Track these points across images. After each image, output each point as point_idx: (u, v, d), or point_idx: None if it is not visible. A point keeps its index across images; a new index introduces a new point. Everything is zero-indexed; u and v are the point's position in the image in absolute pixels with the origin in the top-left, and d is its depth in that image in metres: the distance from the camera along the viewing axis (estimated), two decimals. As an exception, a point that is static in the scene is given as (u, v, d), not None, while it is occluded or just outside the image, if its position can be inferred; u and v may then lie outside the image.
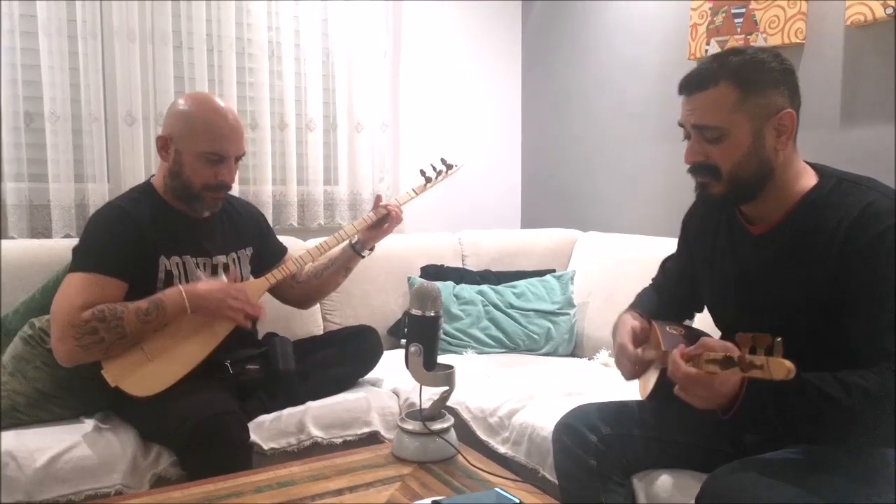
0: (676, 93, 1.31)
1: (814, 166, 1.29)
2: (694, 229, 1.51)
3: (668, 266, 1.63)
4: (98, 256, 1.67)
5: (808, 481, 1.11)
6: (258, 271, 1.93)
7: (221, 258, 1.87)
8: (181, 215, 1.82)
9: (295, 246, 2.30)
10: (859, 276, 1.15)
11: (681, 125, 1.30)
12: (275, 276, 1.88)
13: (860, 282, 1.15)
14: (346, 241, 1.99)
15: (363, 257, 2.04)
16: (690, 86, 1.26)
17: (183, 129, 1.74)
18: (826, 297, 1.19)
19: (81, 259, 1.69)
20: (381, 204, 1.99)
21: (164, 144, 1.77)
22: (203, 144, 1.73)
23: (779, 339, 1.03)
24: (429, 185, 2.09)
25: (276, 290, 1.99)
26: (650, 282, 1.68)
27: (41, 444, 1.58)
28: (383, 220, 1.98)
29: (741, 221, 1.34)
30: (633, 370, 1.40)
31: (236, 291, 1.72)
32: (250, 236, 1.98)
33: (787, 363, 0.99)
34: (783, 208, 1.26)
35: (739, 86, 1.21)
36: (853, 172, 1.26)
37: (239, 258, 1.92)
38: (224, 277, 1.79)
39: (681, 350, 1.17)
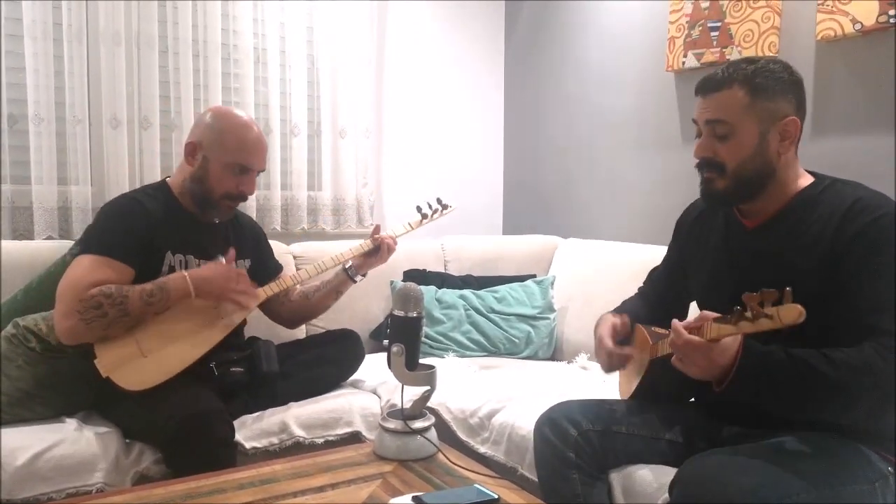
0: (657, 104, 1.37)
1: (812, 173, 1.37)
2: (688, 230, 1.56)
3: (656, 273, 1.69)
4: (109, 241, 1.73)
5: (779, 465, 1.15)
6: None
7: None
8: (191, 217, 1.88)
9: (279, 250, 2.32)
10: (849, 260, 1.21)
11: (694, 121, 1.37)
12: (272, 288, 1.93)
13: (850, 265, 1.21)
14: (340, 266, 2.04)
15: (355, 282, 2.09)
16: (706, 87, 1.34)
17: (213, 138, 1.82)
18: (816, 286, 1.23)
19: (93, 241, 1.75)
20: (377, 235, 2.04)
21: (192, 150, 1.83)
22: (232, 155, 1.81)
23: (788, 288, 1.05)
24: (424, 221, 2.17)
25: (265, 307, 2.04)
26: (634, 288, 1.73)
27: (22, 443, 1.58)
28: (377, 249, 2.04)
29: (736, 216, 1.41)
30: (609, 363, 1.49)
31: (237, 275, 1.79)
32: (249, 248, 2.03)
33: (798, 306, 1.03)
34: (778, 204, 1.34)
35: (750, 90, 1.29)
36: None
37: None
38: (222, 259, 1.84)
39: (684, 323, 1.23)
